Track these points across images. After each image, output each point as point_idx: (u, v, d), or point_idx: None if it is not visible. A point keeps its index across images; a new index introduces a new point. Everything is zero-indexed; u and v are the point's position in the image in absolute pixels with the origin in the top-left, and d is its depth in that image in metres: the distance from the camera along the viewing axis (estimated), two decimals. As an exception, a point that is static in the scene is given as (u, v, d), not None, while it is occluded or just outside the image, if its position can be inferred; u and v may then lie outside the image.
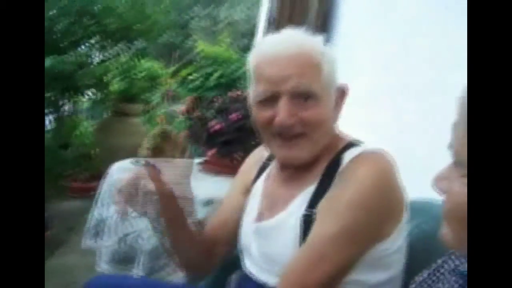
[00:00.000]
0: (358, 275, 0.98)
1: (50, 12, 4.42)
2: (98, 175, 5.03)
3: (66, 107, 5.38)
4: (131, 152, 3.27)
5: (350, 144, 1.08)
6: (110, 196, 2.21)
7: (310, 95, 1.03)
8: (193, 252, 1.23)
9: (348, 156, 1.03)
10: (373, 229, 0.96)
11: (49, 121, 5.35)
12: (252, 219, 1.20)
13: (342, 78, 2.47)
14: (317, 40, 1.09)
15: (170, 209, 1.15)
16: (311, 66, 1.03)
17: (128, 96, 5.46)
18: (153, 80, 5.88)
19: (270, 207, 1.15)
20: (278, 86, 1.03)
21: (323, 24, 2.72)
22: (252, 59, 1.10)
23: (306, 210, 1.03)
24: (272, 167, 1.24)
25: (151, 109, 6.69)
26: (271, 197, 1.17)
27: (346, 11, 2.62)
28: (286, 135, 1.05)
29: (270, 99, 1.05)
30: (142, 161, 2.52)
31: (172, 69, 6.32)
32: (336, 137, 1.13)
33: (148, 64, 5.76)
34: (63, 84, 4.48)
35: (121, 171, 2.32)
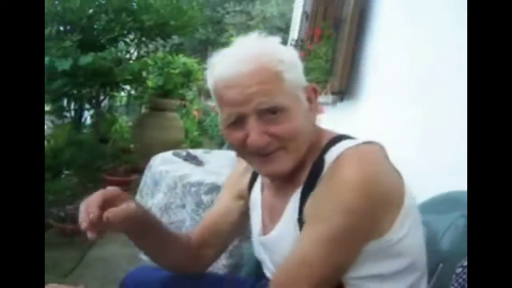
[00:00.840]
0: (369, 270, 0.97)
1: (90, 11, 4.53)
2: (136, 168, 5.17)
3: (104, 103, 5.50)
4: (168, 146, 3.33)
5: (333, 141, 1.02)
6: (149, 188, 2.26)
7: (278, 109, 0.97)
8: (172, 257, 1.20)
9: (330, 156, 0.98)
10: (362, 230, 0.92)
11: (89, 116, 5.50)
12: (257, 233, 1.19)
13: (377, 71, 2.48)
14: (273, 47, 1.02)
15: (137, 228, 1.06)
16: (270, 78, 0.97)
17: (164, 91, 5.55)
18: (188, 75, 5.95)
19: (271, 218, 1.13)
20: (241, 108, 0.97)
21: (359, 20, 2.70)
22: (210, 81, 1.04)
23: (298, 214, 1.01)
24: None
25: (187, 104, 6.79)
26: (269, 207, 1.16)
27: (383, 7, 2.60)
28: (264, 153, 1.00)
29: (239, 120, 0.99)
30: (184, 152, 2.59)
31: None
32: (319, 135, 1.07)
33: (183, 60, 5.84)
34: (102, 79, 4.59)
35: (163, 163, 2.37)
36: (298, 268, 0.93)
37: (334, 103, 2.97)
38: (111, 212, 0.93)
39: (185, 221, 1.98)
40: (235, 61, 0.98)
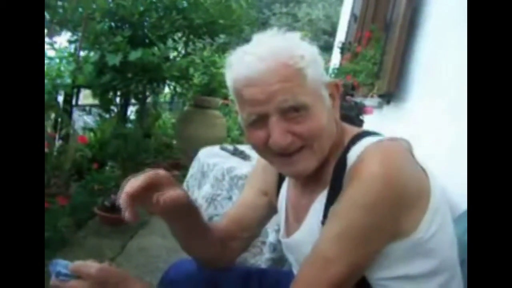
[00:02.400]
0: (396, 271, 0.94)
1: (141, 8, 4.64)
2: (177, 164, 5.26)
3: (148, 99, 5.61)
4: (209, 143, 3.38)
5: (355, 139, 1.00)
6: (197, 179, 2.30)
7: (300, 107, 0.95)
8: (205, 247, 1.19)
9: (352, 154, 0.96)
10: (382, 227, 0.89)
11: (134, 111, 5.62)
12: (283, 234, 1.18)
13: (426, 75, 2.43)
14: (292, 43, 0.99)
15: (176, 212, 1.05)
16: (292, 75, 0.94)
17: (209, 90, 5.62)
18: (232, 75, 6.00)
19: (296, 218, 1.12)
20: (263, 107, 0.95)
21: (409, 22, 2.66)
22: (229, 79, 1.01)
23: (323, 217, 0.99)
24: None
25: (230, 103, 6.85)
26: (294, 207, 1.14)
27: (434, 9, 2.56)
28: (287, 153, 0.98)
29: (260, 120, 0.97)
30: (231, 147, 2.62)
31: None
32: (342, 133, 1.05)
33: (228, 59, 5.89)
34: (150, 75, 4.69)
35: (210, 156, 2.40)
36: (317, 266, 0.91)
37: (380, 106, 2.94)
38: (163, 197, 0.93)
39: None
40: (254, 58, 0.95)
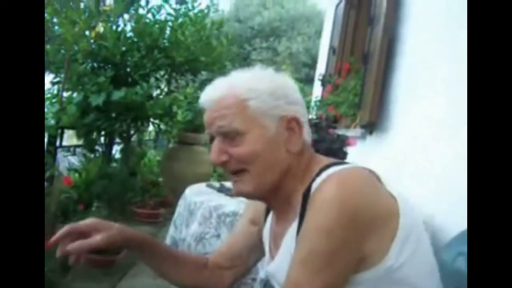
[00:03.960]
0: None
1: (123, 48, 4.70)
2: (164, 202, 5.23)
3: (133, 138, 5.62)
4: (196, 180, 3.38)
5: (323, 169, 1.03)
6: (184, 218, 2.29)
7: (235, 133, 1.05)
8: (186, 276, 1.27)
9: (316, 184, 0.99)
10: (344, 250, 0.91)
11: (120, 150, 5.62)
12: (266, 262, 1.22)
13: (406, 102, 2.48)
14: (250, 76, 1.10)
15: (141, 251, 1.22)
16: (234, 104, 1.05)
17: (194, 126, 5.64)
18: (216, 111, 6.04)
19: (275, 246, 1.17)
20: (210, 129, 1.09)
21: (387, 53, 2.73)
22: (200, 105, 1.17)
23: (295, 245, 1.02)
24: None
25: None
26: (274, 236, 1.19)
27: (411, 38, 2.63)
28: (229, 172, 1.10)
29: (213, 139, 1.11)
30: (217, 184, 2.62)
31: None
32: (311, 163, 1.11)
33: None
34: (134, 114, 4.71)
35: (197, 194, 2.40)
36: None
37: (363, 136, 2.98)
38: (71, 246, 1.07)
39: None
40: (211, 88, 1.10)
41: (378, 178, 1.02)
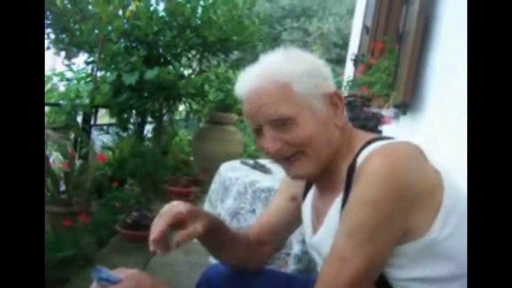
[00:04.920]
0: (415, 272, 0.97)
1: (155, 27, 4.73)
2: (196, 180, 5.29)
3: (164, 117, 5.69)
4: (226, 159, 3.41)
5: (367, 144, 1.06)
6: (219, 193, 2.33)
7: (285, 119, 1.05)
8: (234, 255, 1.29)
9: (361, 158, 1.01)
10: (390, 222, 0.93)
11: (151, 129, 5.69)
12: (308, 236, 1.23)
13: (441, 82, 2.45)
14: (284, 59, 1.10)
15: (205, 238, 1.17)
16: (278, 90, 1.05)
17: (224, 106, 5.67)
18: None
19: (318, 221, 1.18)
20: (256, 119, 1.08)
21: (423, 32, 2.68)
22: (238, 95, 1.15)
23: (339, 218, 1.04)
24: None
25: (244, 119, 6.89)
26: (317, 211, 1.20)
27: (447, 18, 2.57)
28: (284, 158, 1.09)
29: (259, 129, 1.09)
30: (251, 161, 2.65)
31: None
32: (353, 139, 1.12)
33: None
34: (166, 93, 4.76)
35: (232, 170, 2.44)
36: (334, 265, 0.94)
37: (396, 116, 2.95)
38: (180, 236, 1.05)
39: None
40: (248, 77, 1.10)
41: (422, 153, 1.03)
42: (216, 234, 1.19)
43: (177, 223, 1.07)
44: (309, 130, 1.06)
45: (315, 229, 1.19)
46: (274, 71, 1.07)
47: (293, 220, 1.33)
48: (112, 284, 0.93)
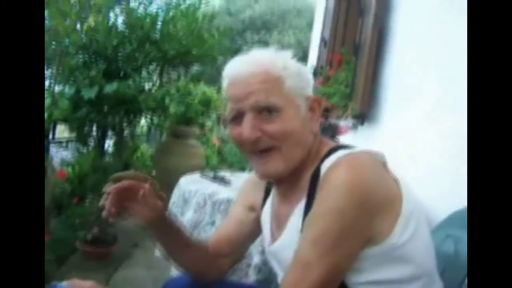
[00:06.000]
0: (373, 275, 1.00)
1: (115, 41, 4.69)
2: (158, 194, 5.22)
3: (125, 132, 5.62)
4: (189, 173, 3.40)
5: (331, 151, 1.08)
6: (179, 206, 2.32)
7: (272, 108, 1.05)
8: (192, 261, 1.29)
9: (325, 165, 1.03)
10: (353, 231, 0.95)
11: (112, 144, 5.61)
12: (267, 243, 1.23)
13: (398, 93, 2.51)
14: (280, 56, 1.12)
15: (161, 227, 1.22)
16: (271, 80, 1.06)
17: (186, 119, 5.64)
18: (208, 104, 6.05)
19: (277, 227, 1.18)
20: (241, 103, 1.07)
21: (378, 43, 2.75)
22: (223, 80, 1.14)
23: (301, 225, 1.05)
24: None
25: (207, 132, 6.88)
26: (277, 216, 1.20)
27: (401, 28, 2.65)
28: (257, 150, 1.08)
29: (238, 117, 1.08)
30: (211, 174, 2.65)
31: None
32: (320, 145, 1.14)
33: (203, 89, 5.95)
34: (126, 107, 4.71)
35: (191, 182, 2.43)
36: (297, 271, 0.95)
37: (355, 126, 3.01)
38: (139, 211, 1.14)
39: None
40: (241, 63, 1.10)
41: (384, 162, 1.07)
42: (171, 227, 1.23)
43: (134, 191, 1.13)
44: (291, 126, 1.07)
45: (274, 237, 1.19)
46: (269, 64, 1.08)
47: (252, 230, 1.33)
48: None
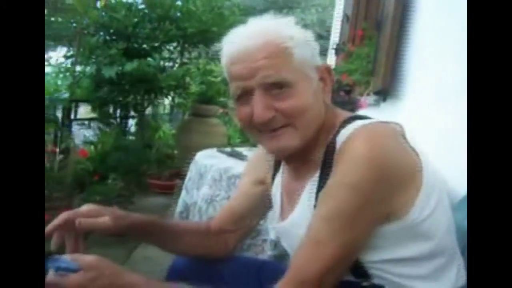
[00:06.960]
0: (391, 253, 0.95)
1: (134, 19, 4.67)
2: (179, 173, 5.26)
3: (148, 111, 5.64)
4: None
5: (346, 122, 1.00)
6: (195, 181, 2.32)
7: (284, 84, 0.97)
8: (194, 245, 1.25)
9: (341, 137, 0.96)
10: (371, 206, 0.89)
11: (134, 123, 5.65)
12: (278, 219, 1.18)
13: (421, 69, 2.45)
14: (284, 24, 1.02)
15: (134, 234, 1.21)
16: (278, 53, 0.97)
17: (207, 98, 5.63)
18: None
19: (289, 202, 1.12)
20: (248, 81, 0.97)
21: (401, 18, 2.68)
22: (222, 58, 1.04)
23: (315, 200, 0.99)
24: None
25: (229, 111, 6.86)
26: (288, 192, 1.14)
27: (425, 3, 2.57)
28: (270, 129, 1.00)
29: (245, 95, 0.99)
30: (228, 149, 2.63)
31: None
32: (333, 116, 1.05)
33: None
34: (146, 86, 4.71)
35: (207, 157, 2.42)
36: (309, 249, 0.91)
37: (377, 103, 2.95)
38: (83, 221, 1.07)
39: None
40: (242, 37, 1.00)
41: (403, 133, 1.00)
42: (150, 231, 1.19)
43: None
44: (305, 100, 0.99)
45: (285, 213, 1.14)
46: (274, 33, 0.98)
47: (258, 204, 1.27)
48: (72, 272, 0.87)
